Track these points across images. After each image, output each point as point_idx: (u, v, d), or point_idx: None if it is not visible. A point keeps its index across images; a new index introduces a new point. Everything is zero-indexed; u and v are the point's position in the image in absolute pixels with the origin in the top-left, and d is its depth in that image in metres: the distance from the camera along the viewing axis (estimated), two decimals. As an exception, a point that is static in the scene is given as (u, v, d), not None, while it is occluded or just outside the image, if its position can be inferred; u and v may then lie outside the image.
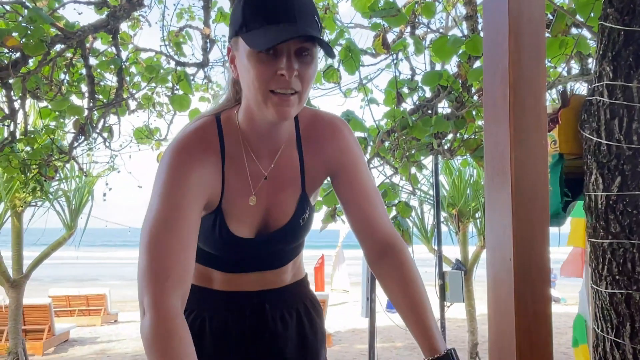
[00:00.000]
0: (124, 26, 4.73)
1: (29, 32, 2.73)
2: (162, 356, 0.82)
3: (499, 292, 1.39)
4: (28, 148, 3.56)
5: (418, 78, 3.47)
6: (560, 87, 2.90)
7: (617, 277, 1.63)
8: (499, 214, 1.38)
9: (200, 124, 1.12)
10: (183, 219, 0.97)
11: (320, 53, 1.04)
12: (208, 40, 3.73)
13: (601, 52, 1.70)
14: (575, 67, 3.30)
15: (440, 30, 3.89)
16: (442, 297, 4.47)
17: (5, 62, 3.01)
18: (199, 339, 1.19)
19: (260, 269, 1.23)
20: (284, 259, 1.26)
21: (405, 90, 3.47)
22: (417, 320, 1.08)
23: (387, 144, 3.55)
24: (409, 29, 3.62)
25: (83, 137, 3.29)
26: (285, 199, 1.16)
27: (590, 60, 3.10)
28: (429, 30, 3.63)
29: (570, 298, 12.01)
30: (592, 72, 1.86)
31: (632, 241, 1.60)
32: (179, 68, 3.52)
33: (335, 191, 1.21)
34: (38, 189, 4.93)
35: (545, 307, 1.35)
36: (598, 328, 1.72)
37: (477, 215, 5.96)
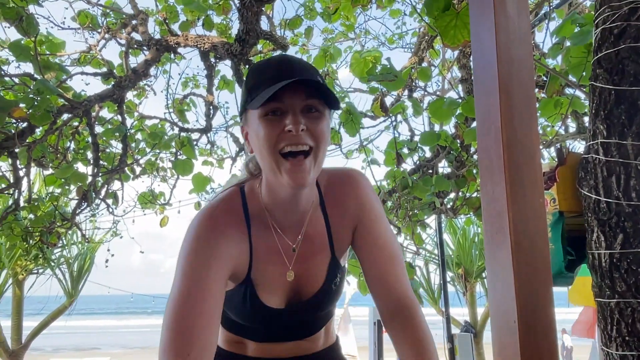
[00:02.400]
0: (129, 95, 4.88)
1: (35, 103, 2.81)
2: None
3: (505, 355, 1.34)
4: (31, 216, 3.57)
5: (417, 139, 3.52)
6: (557, 145, 2.93)
7: (627, 338, 1.58)
8: (501, 274, 1.36)
9: (225, 197, 1.12)
10: (206, 295, 0.96)
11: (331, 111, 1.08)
12: (211, 107, 3.83)
13: (594, 111, 1.73)
14: (572, 126, 3.35)
15: (437, 93, 3.99)
16: (452, 361, 4.32)
17: (12, 131, 3.09)
18: None
19: (293, 339, 1.22)
20: (317, 326, 1.24)
21: (405, 150, 3.52)
22: None
23: (389, 204, 3.56)
24: (406, 92, 3.71)
25: (86, 204, 3.31)
26: (316, 267, 1.15)
27: (586, 118, 3.16)
28: (426, 93, 3.72)
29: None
30: (587, 130, 1.88)
31: (639, 300, 1.56)
32: (182, 134, 3.59)
33: (352, 245, 1.19)
34: (40, 256, 4.92)
35: (554, 371, 1.31)
36: (612, 393, 1.65)
37: (484, 275, 5.86)
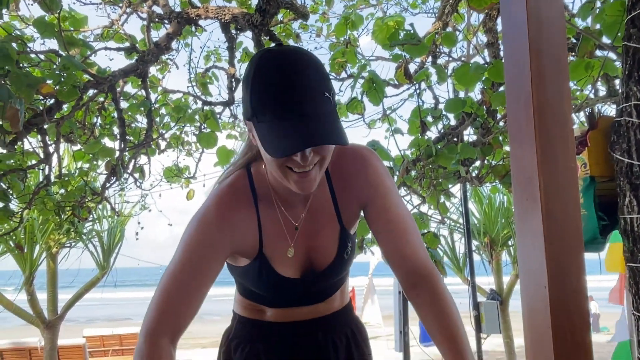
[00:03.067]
0: (152, 70, 4.89)
1: (62, 79, 2.84)
2: None
3: (534, 322, 1.34)
4: (62, 190, 3.65)
5: (442, 107, 3.47)
6: (587, 109, 2.85)
7: (660, 302, 1.57)
8: (531, 240, 1.35)
9: (232, 180, 1.16)
10: (195, 276, 1.07)
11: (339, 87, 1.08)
12: (233, 80, 3.82)
13: (627, 73, 1.68)
14: (602, 89, 3.26)
15: (462, 59, 3.90)
16: (478, 328, 4.34)
17: (40, 108, 3.14)
18: None
19: (311, 303, 1.27)
20: (333, 290, 1.29)
21: (430, 119, 3.47)
22: (453, 352, 1.05)
23: (413, 173, 3.54)
24: (430, 58, 3.64)
25: (115, 178, 3.37)
26: (326, 239, 1.18)
27: (617, 81, 3.06)
28: (450, 59, 3.65)
29: (613, 327, 11.52)
30: (619, 93, 1.83)
31: (673, 264, 1.54)
32: (205, 107, 3.60)
33: (366, 221, 1.21)
34: (72, 230, 5.04)
35: (585, 335, 1.30)
36: (643, 357, 1.64)
37: (510, 243, 5.82)
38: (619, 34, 2.00)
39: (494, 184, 4.56)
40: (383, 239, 1.17)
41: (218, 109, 3.81)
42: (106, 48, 3.52)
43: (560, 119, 1.40)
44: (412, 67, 3.64)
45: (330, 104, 0.97)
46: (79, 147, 3.84)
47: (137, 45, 3.57)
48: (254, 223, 1.14)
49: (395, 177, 3.43)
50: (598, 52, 2.74)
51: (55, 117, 3.14)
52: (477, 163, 3.69)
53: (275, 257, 1.16)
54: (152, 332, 1.03)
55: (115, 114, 3.60)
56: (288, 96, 0.93)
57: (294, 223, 1.16)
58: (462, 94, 3.56)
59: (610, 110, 3.25)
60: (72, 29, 3.35)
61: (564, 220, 1.34)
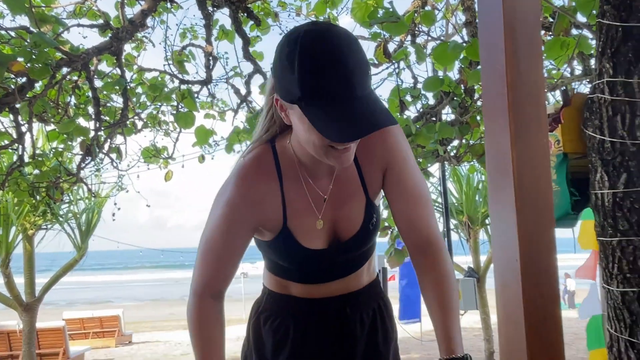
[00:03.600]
0: (128, 48, 4.79)
1: (33, 56, 2.77)
2: (192, 326, 1.16)
3: (507, 294, 1.36)
4: (36, 171, 3.59)
5: (420, 86, 3.47)
6: (563, 87, 2.88)
7: (628, 275, 1.61)
8: (503, 214, 1.37)
9: (256, 154, 1.18)
10: (226, 247, 1.16)
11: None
12: (211, 58, 3.77)
13: (600, 50, 1.70)
14: (578, 68, 3.29)
15: (441, 38, 3.90)
16: (456, 305, 4.42)
17: (12, 87, 3.06)
18: (283, 343, 1.27)
19: (338, 277, 1.27)
20: (359, 263, 1.29)
21: (408, 98, 3.47)
22: (441, 319, 1.09)
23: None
24: (409, 37, 3.63)
25: (90, 158, 3.32)
26: (352, 210, 1.20)
27: (593, 60, 3.09)
28: (429, 38, 3.64)
29: (587, 303, 11.82)
30: (593, 70, 1.85)
31: (642, 238, 1.57)
32: (183, 86, 3.55)
33: (382, 188, 1.23)
34: (48, 211, 4.97)
35: (555, 307, 1.33)
36: (611, 328, 1.69)
37: (487, 222, 5.91)
38: (594, 12, 2.01)
39: (472, 163, 4.60)
40: (396, 204, 1.20)
41: (196, 88, 3.76)
42: (79, 25, 3.44)
43: (533, 96, 1.41)
44: (392, 47, 3.63)
45: (371, 81, 0.99)
46: (52, 127, 3.77)
47: (111, 22, 3.49)
48: (278, 197, 1.16)
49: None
50: (574, 31, 2.76)
51: (27, 96, 3.07)
52: (455, 142, 3.72)
53: (299, 230, 1.18)
54: (198, 292, 1.16)
55: (90, 93, 3.53)
56: (341, 79, 0.93)
57: (322, 195, 1.18)
58: (440, 74, 3.57)
59: (585, 88, 3.29)
60: (43, 5, 3.25)
61: (536, 195, 1.36)
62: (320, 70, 0.93)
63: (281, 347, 1.27)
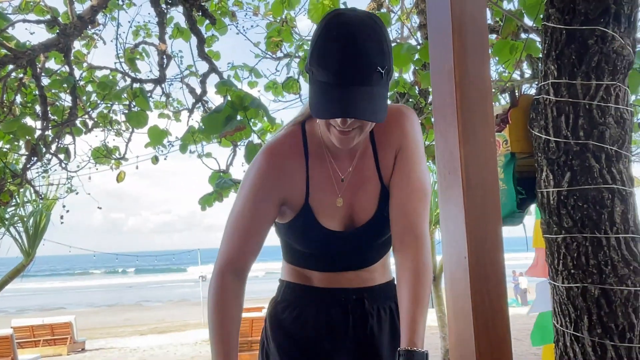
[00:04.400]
0: (78, 45, 4.64)
1: (-26, 51, 2.64)
2: (211, 302, 1.18)
3: (456, 291, 1.38)
4: (-21, 172, 3.42)
5: (376, 87, 3.50)
6: (512, 90, 2.96)
7: (573, 270, 1.65)
8: (452, 212, 1.38)
9: (287, 132, 1.27)
10: (252, 219, 1.20)
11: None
12: (165, 56, 3.69)
13: (546, 52, 1.74)
14: (528, 72, 3.39)
15: (397, 40, 3.95)
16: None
17: (-48, 84, 2.91)
18: (303, 331, 1.30)
19: (354, 266, 1.31)
20: (374, 256, 1.33)
21: (364, 99, 3.49)
22: (410, 311, 1.10)
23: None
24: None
25: (36, 159, 3.19)
26: (366, 196, 1.24)
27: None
28: (385, 40, 3.68)
29: (539, 300, 12.21)
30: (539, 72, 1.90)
31: (585, 234, 1.62)
32: (135, 85, 3.47)
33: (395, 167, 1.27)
34: (-7, 215, 4.76)
35: (502, 302, 1.36)
36: (557, 323, 1.73)
37: (443, 222, 6.01)
38: (540, 15, 2.07)
39: (427, 163, 4.68)
40: (395, 191, 1.22)
41: (149, 87, 3.67)
42: (25, 20, 3.31)
43: (481, 95, 1.44)
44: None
45: (381, 79, 1.03)
46: (-3, 126, 3.60)
47: (59, 18, 3.37)
48: (302, 174, 1.22)
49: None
50: (523, 35, 2.85)
51: (-33, 93, 2.93)
52: (411, 143, 3.76)
53: (320, 208, 1.22)
54: (222, 269, 1.19)
55: (37, 92, 3.40)
56: (342, 63, 1.00)
57: (340, 175, 1.23)
58: (395, 75, 3.61)
59: (534, 91, 3.39)
60: (-15, -2, 3.11)
61: (484, 193, 1.38)
62: (327, 52, 1.02)
63: (301, 334, 1.30)
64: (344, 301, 1.30)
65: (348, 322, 1.30)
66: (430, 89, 3.10)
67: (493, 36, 3.04)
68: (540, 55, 2.12)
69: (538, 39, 2.69)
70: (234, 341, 1.15)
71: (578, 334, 1.65)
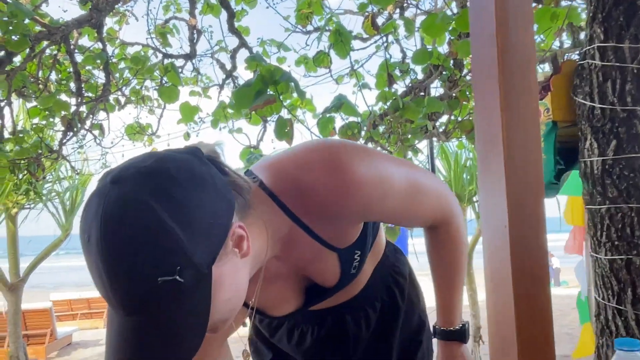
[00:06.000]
0: (110, 22, 4.68)
1: (10, 27, 2.68)
2: None
3: (495, 261, 1.35)
4: (17, 148, 3.51)
5: (409, 60, 3.43)
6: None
7: (617, 242, 1.60)
8: (492, 181, 1.34)
9: None
10: None
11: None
12: (195, 32, 3.69)
13: (591, 15, 1.67)
14: (567, 42, 3.27)
15: (431, 11, 3.85)
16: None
17: (-10, 61, 2.97)
18: (280, 342, 1.16)
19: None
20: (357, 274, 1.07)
21: (397, 72, 3.43)
22: (443, 289, 1.07)
23: (381, 128, 3.52)
24: (398, 11, 3.58)
25: (71, 134, 3.24)
26: (320, 268, 0.97)
27: (582, 33, 3.07)
28: (418, 11, 3.59)
29: (572, 281, 12.01)
30: (584, 37, 1.82)
31: (630, 205, 1.57)
32: (166, 60, 3.48)
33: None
34: (31, 190, 4.88)
35: (543, 271, 1.32)
36: (599, 297, 1.68)
37: (474, 199, 5.92)
38: (585, -22, 1.98)
39: (461, 139, 4.59)
40: (397, 224, 1.12)
41: (179, 62, 3.68)
42: (58, -3, 3.33)
43: (524, 59, 1.38)
44: (380, 21, 3.57)
45: (172, 289, 0.64)
46: (33, 103, 3.67)
47: (91, -6, 3.39)
48: None
49: (363, 132, 3.40)
50: (564, 3, 2.74)
51: (5, 69, 2.98)
52: (444, 119, 3.69)
53: (264, 305, 1.00)
54: None
55: (71, 69, 3.44)
56: (104, 286, 0.65)
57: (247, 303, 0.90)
58: (429, 47, 3.52)
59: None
60: (20, -25, 3.14)
61: (525, 160, 1.33)
62: (88, 263, 0.67)
63: (280, 346, 1.17)
64: (322, 324, 1.11)
65: (324, 345, 1.11)
66: (467, 60, 3.02)
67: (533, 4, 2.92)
68: (582, 24, 2.03)
69: (580, 6, 2.58)
70: None
71: (621, 307, 1.60)
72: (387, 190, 0.90)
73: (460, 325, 1.02)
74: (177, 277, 0.63)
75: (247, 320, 1.07)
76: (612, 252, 1.61)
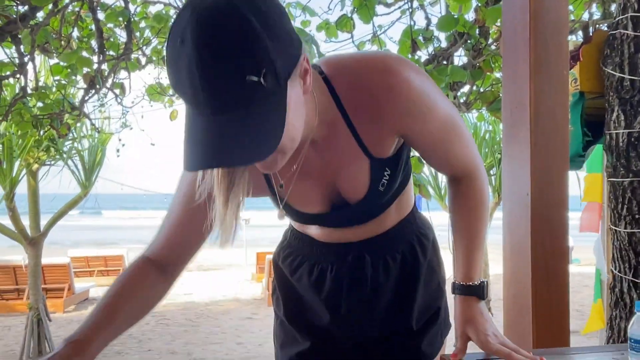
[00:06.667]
0: (132, -20, 4.63)
1: (35, -19, 2.68)
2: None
3: (514, 229, 1.35)
4: (40, 104, 3.54)
5: (434, 27, 3.37)
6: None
7: (637, 216, 1.59)
8: (517, 148, 1.33)
9: None
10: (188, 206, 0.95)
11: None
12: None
13: (627, -17, 1.62)
14: (597, 14, 3.18)
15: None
16: (456, 253, 4.46)
17: (14, 16, 2.98)
18: (300, 284, 1.16)
19: (357, 224, 1.11)
20: (383, 209, 1.10)
21: (421, 39, 3.38)
22: (464, 246, 1.05)
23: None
24: (424, -25, 3.50)
25: (94, 91, 3.27)
26: (351, 176, 1.00)
27: (613, 5, 2.98)
28: (445, -24, 3.50)
29: (585, 259, 11.99)
30: (614, 15, 1.77)
31: (654, 179, 1.55)
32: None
33: (404, 143, 1.04)
34: (52, 147, 4.95)
35: (562, 243, 1.32)
36: (615, 269, 1.69)
37: (492, 172, 5.87)
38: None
39: (481, 111, 4.53)
40: (427, 155, 1.07)
41: (201, 23, 3.65)
42: (81, -48, 3.31)
43: (556, 26, 1.36)
44: (405, -14, 3.50)
45: (261, 88, 0.70)
46: (56, 60, 3.70)
47: (114, -50, 3.36)
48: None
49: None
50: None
51: (29, 24, 2.99)
52: (466, 89, 3.64)
53: (294, 199, 1.02)
54: (141, 256, 1.00)
55: (93, 26, 3.44)
56: (194, 85, 0.68)
57: (280, 180, 0.99)
58: (455, 15, 3.45)
59: (603, 34, 3.19)
60: None
61: (552, 128, 1.33)
62: (174, 69, 0.71)
63: (299, 287, 1.17)
64: (341, 258, 1.13)
65: (346, 278, 1.13)
66: (493, 29, 2.96)
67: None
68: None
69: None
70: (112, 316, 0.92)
71: (637, 281, 1.60)
72: (430, 109, 0.95)
73: (480, 281, 1.03)
74: (262, 80, 0.69)
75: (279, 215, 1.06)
76: (632, 225, 1.60)
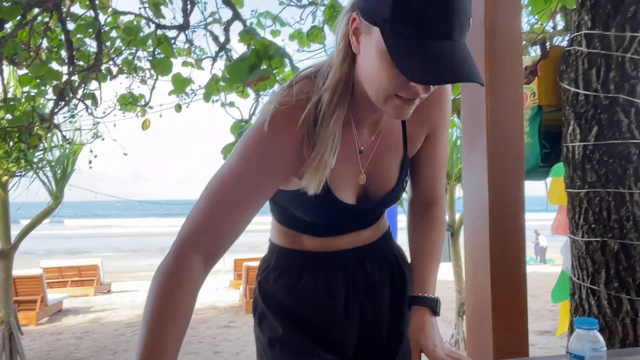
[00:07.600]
0: (102, -10, 4.60)
1: (1, -6, 2.65)
2: (156, 288, 0.87)
3: (475, 241, 1.40)
4: (9, 116, 3.50)
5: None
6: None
7: (593, 225, 1.66)
8: (475, 163, 1.39)
9: (300, 87, 0.99)
10: (247, 190, 0.94)
11: None
12: (188, 2, 3.65)
13: (580, 1, 1.69)
14: (561, 24, 3.28)
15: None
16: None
17: (-20, 27, 2.94)
18: (300, 300, 1.17)
19: (357, 229, 1.19)
20: (379, 216, 1.22)
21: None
22: (422, 260, 1.12)
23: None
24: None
25: (63, 103, 3.24)
26: (389, 167, 1.09)
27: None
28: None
29: (557, 259, 12.24)
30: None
31: (608, 189, 1.62)
32: (159, 31, 3.46)
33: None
34: (22, 158, 4.87)
35: (519, 254, 1.37)
36: (575, 277, 1.75)
37: (464, 178, 5.96)
38: (577, -37, 1.99)
39: (452, 118, 4.62)
40: (422, 166, 1.15)
41: (172, 34, 3.65)
42: (50, -37, 3.28)
43: (510, 45, 1.41)
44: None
45: (468, 28, 0.84)
46: (25, 71, 3.65)
47: (83, -39, 3.34)
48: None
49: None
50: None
51: (-4, 36, 2.95)
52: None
53: (337, 181, 1.04)
54: (185, 247, 0.90)
55: (63, 36, 3.41)
56: (444, 14, 0.79)
57: (360, 146, 1.05)
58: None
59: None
60: (10, -61, 3.08)
61: (508, 145, 1.38)
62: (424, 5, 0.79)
63: (298, 303, 1.17)
64: (344, 265, 1.18)
65: (349, 288, 1.17)
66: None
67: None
68: (575, 6, 2.05)
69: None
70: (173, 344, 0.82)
71: (594, 287, 1.67)
72: (449, 123, 1.14)
73: (434, 297, 1.07)
74: (470, 21, 0.83)
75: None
76: (589, 234, 1.67)
